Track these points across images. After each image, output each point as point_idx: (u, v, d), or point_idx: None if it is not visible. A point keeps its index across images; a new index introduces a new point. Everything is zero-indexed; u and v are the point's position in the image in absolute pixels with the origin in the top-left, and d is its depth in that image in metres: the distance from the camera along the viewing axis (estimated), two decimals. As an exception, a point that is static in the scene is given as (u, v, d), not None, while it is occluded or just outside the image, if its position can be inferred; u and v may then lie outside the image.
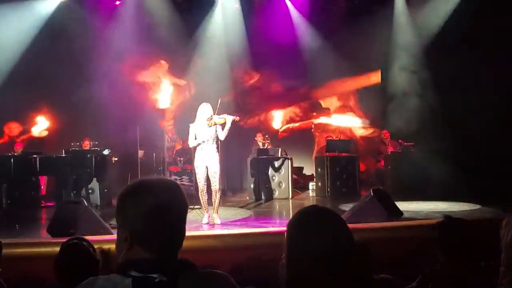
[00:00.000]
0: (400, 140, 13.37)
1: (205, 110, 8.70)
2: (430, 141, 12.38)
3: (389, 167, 13.02)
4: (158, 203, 1.87)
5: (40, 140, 13.98)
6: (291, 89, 16.00)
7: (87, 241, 3.62)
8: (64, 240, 3.70)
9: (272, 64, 15.03)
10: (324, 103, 16.77)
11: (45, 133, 14.22)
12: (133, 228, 1.87)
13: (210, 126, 8.62)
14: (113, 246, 2.00)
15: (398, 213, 7.75)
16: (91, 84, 13.30)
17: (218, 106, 8.69)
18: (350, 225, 1.98)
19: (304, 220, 1.97)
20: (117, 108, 13.46)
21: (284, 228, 2.03)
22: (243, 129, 15.22)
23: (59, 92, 13.34)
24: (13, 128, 13.94)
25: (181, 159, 14.46)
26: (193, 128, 8.72)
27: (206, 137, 8.63)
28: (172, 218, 1.90)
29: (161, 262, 1.83)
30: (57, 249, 3.58)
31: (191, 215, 9.17)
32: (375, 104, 15.10)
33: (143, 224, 1.85)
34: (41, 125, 14.23)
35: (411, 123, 13.12)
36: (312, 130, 16.47)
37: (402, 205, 8.40)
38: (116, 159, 11.95)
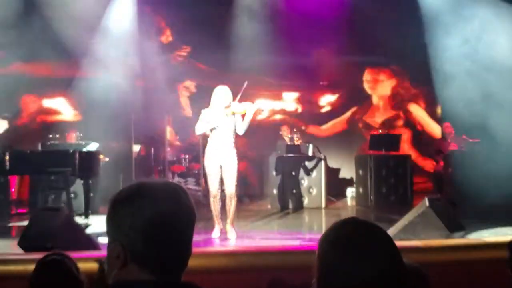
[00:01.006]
0: (464, 136, 13.26)
1: (222, 95, 8.68)
2: (503, 136, 12.22)
3: (449, 169, 12.92)
4: (160, 213, 1.88)
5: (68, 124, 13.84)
6: (330, 69, 15.94)
7: (69, 257, 3.64)
8: (40, 256, 3.73)
9: (305, 35, 14.96)
10: (370, 88, 16.73)
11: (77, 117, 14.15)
12: (127, 242, 1.88)
13: (227, 116, 8.60)
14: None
15: (460, 229, 7.70)
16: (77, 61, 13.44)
17: (242, 90, 8.68)
18: (398, 243, 1.97)
19: (340, 236, 1.95)
20: (107, 92, 13.53)
21: (315, 246, 2.02)
22: (265, 120, 15.25)
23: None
24: (29, 102, 14.01)
25: (187, 156, 14.49)
26: (205, 114, 8.70)
27: (220, 133, 8.61)
28: (176, 231, 1.91)
29: (159, 285, 1.84)
30: (31, 267, 3.60)
31: (199, 227, 9.20)
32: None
33: (141, 238, 1.87)
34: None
35: (477, 112, 12.95)
36: (360, 126, 16.43)
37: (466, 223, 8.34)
38: (107, 159, 12.01)
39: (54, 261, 3.55)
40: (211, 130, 8.68)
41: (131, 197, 1.92)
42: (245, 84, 8.72)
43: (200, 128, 8.72)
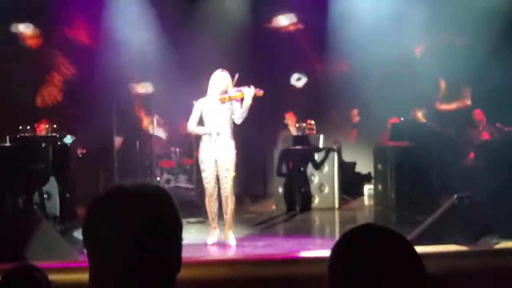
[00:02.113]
0: (498, 124, 13.24)
1: (218, 80, 8.73)
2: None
3: (481, 162, 12.91)
4: (142, 222, 1.87)
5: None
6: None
7: (39, 270, 3.62)
8: (7, 266, 3.73)
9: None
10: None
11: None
12: (105, 256, 1.88)
13: (223, 103, 8.64)
14: (77, 277, 2.02)
15: (492, 232, 7.70)
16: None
17: (234, 83, 8.74)
18: (422, 249, 1.98)
19: (354, 247, 1.95)
20: (84, 75, 13.54)
21: (327, 254, 2.02)
22: (268, 107, 15.21)
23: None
24: None
25: (177, 150, 14.45)
26: (199, 105, 8.76)
27: (215, 120, 8.65)
28: (161, 243, 1.91)
29: None
30: (-2, 279, 3.61)
31: (192, 231, 9.24)
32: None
33: (120, 252, 1.86)
34: None
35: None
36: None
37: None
38: (84, 151, 11.99)
39: (22, 274, 3.53)
40: (205, 120, 8.72)
41: (109, 202, 1.92)
42: (236, 76, 8.78)
43: (191, 127, 8.89)
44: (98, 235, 1.90)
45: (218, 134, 8.65)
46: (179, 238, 1.98)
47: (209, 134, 8.68)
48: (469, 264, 6.03)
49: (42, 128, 12.42)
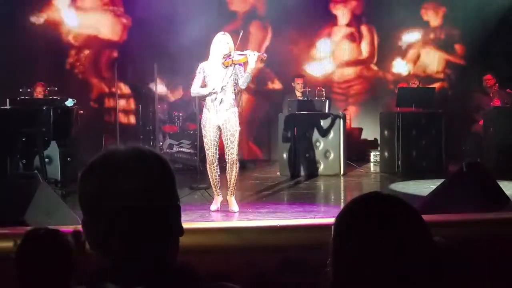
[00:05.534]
0: (508, 90, 13.17)
1: (221, 43, 8.66)
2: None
3: (491, 129, 12.87)
4: (132, 186, 1.86)
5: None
6: None
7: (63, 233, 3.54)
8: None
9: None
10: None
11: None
12: (99, 223, 1.88)
13: (226, 67, 8.59)
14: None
15: (503, 199, 7.70)
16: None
17: (238, 41, 8.70)
18: (430, 217, 1.98)
19: (360, 215, 1.95)
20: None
21: (331, 221, 2.02)
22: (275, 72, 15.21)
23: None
24: None
25: (181, 114, 14.41)
26: (202, 68, 8.70)
27: (218, 83, 8.60)
28: (154, 207, 1.90)
29: (143, 272, 1.85)
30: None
31: (195, 198, 9.25)
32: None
33: (112, 218, 1.86)
34: None
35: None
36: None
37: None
38: (81, 112, 11.95)
39: (49, 232, 3.42)
40: (208, 85, 8.68)
41: (94, 168, 1.92)
42: (241, 33, 8.75)
43: (194, 90, 8.79)
44: (90, 203, 1.90)
45: (221, 100, 8.62)
46: (175, 203, 1.97)
47: (214, 92, 8.57)
48: (479, 232, 6.04)
49: (39, 91, 12.42)
